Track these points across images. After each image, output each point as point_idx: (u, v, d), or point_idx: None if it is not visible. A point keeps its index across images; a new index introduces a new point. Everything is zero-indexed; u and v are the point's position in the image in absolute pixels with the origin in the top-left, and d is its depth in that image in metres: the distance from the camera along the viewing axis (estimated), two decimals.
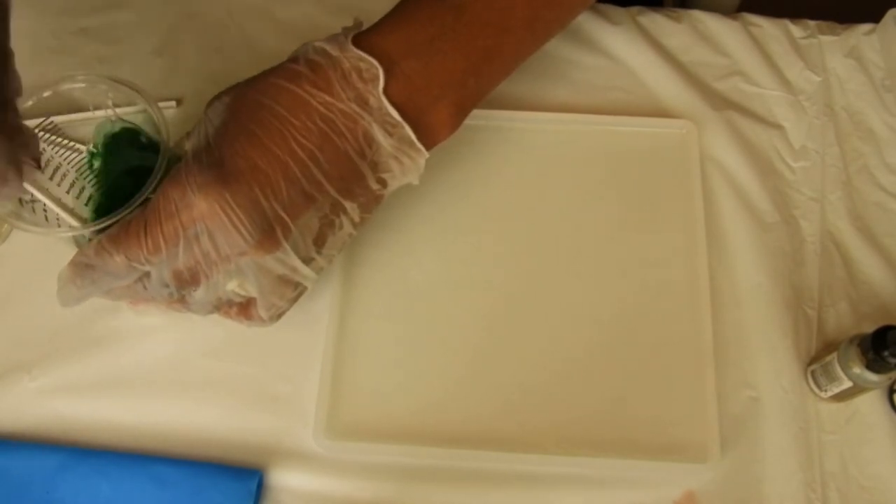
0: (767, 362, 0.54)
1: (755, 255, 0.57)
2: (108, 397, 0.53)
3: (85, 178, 0.52)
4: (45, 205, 0.46)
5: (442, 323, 0.55)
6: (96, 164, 0.52)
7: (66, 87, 0.48)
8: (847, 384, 0.49)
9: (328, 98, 0.43)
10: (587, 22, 0.66)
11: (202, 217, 0.41)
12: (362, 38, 0.46)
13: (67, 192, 0.51)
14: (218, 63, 0.65)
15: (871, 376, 0.47)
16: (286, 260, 0.44)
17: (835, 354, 0.50)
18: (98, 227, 0.44)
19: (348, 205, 0.46)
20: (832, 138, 0.62)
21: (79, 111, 0.50)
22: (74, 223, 0.45)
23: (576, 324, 0.55)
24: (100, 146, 0.51)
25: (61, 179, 0.50)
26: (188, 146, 0.45)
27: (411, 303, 0.55)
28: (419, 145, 0.46)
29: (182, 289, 0.44)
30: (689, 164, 0.59)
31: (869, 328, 0.47)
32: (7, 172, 0.38)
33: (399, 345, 0.54)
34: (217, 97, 0.46)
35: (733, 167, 0.60)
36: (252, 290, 0.45)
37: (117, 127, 0.50)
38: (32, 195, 0.45)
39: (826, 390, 0.51)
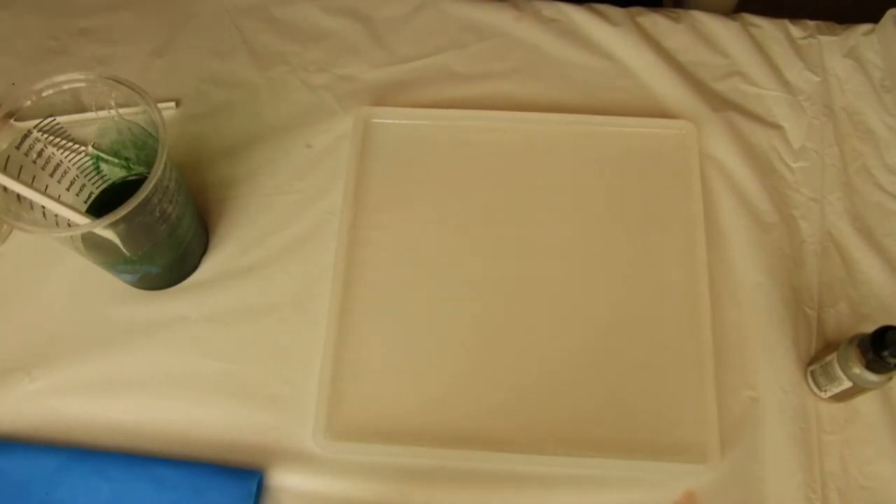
0: (767, 362, 0.54)
1: (755, 256, 0.57)
2: (108, 397, 0.53)
3: (86, 177, 0.52)
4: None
5: (441, 324, 0.55)
6: (102, 165, 0.52)
7: (66, 87, 0.48)
8: (847, 384, 0.49)
9: None
10: (587, 22, 0.66)
11: None
12: None
13: (68, 190, 0.51)
14: (217, 63, 0.65)
15: (871, 376, 0.47)
16: None
17: (834, 355, 0.50)
18: (99, 225, 0.44)
19: None
20: (832, 138, 0.62)
21: (80, 111, 0.50)
22: (80, 220, 0.45)
23: (576, 324, 0.55)
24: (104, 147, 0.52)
25: (62, 177, 0.50)
26: None
27: (411, 304, 0.55)
28: None
29: None
30: (689, 164, 0.59)
31: (869, 328, 0.47)
32: None
33: (398, 346, 0.54)
34: None
35: (733, 167, 0.60)
36: None
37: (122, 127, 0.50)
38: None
39: (826, 390, 0.51)
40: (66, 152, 0.50)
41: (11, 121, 0.48)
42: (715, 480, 0.51)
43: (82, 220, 0.46)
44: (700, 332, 0.54)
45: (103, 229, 0.45)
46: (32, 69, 0.65)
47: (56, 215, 0.47)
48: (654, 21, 0.67)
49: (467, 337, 0.54)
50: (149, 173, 0.44)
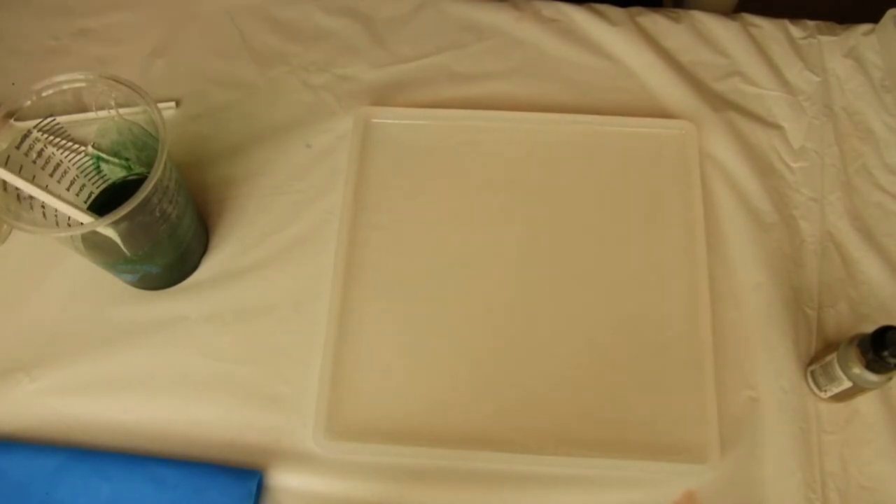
0: (767, 362, 0.54)
1: (755, 256, 0.57)
2: (108, 397, 0.53)
3: (86, 177, 0.52)
4: (43, 203, 0.46)
5: (442, 324, 0.55)
6: (102, 165, 0.52)
7: (66, 87, 0.48)
8: (847, 384, 0.49)
9: None
10: (587, 22, 0.66)
11: None
12: None
13: (68, 190, 0.51)
14: (218, 64, 0.65)
15: (871, 376, 0.47)
16: None
17: (834, 355, 0.50)
18: (99, 225, 0.44)
19: None
20: (831, 138, 0.62)
21: (80, 111, 0.50)
22: (83, 217, 0.46)
23: (575, 324, 0.55)
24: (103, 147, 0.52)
25: (62, 177, 0.50)
26: None
27: (411, 304, 0.55)
28: None
29: None
30: (689, 164, 0.59)
31: (868, 328, 0.47)
32: None
33: (398, 346, 0.54)
34: None
35: (733, 167, 0.60)
36: None
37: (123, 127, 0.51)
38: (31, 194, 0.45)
39: (826, 391, 0.51)
40: (66, 152, 0.50)
41: (11, 121, 0.48)
42: (715, 480, 0.51)
43: (85, 218, 0.46)
44: (700, 332, 0.54)
45: (104, 228, 0.45)
46: (32, 69, 0.65)
47: (56, 215, 0.47)
48: (654, 21, 0.67)
49: (467, 337, 0.54)
50: (149, 173, 0.44)
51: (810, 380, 0.53)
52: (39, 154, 0.49)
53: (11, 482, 0.49)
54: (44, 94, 0.48)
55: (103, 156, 0.52)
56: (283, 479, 0.51)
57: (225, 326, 0.55)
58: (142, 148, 0.52)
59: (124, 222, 0.45)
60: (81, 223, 0.46)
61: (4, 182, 0.45)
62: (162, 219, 0.49)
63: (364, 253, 0.57)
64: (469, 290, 0.56)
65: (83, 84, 0.48)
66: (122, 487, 0.49)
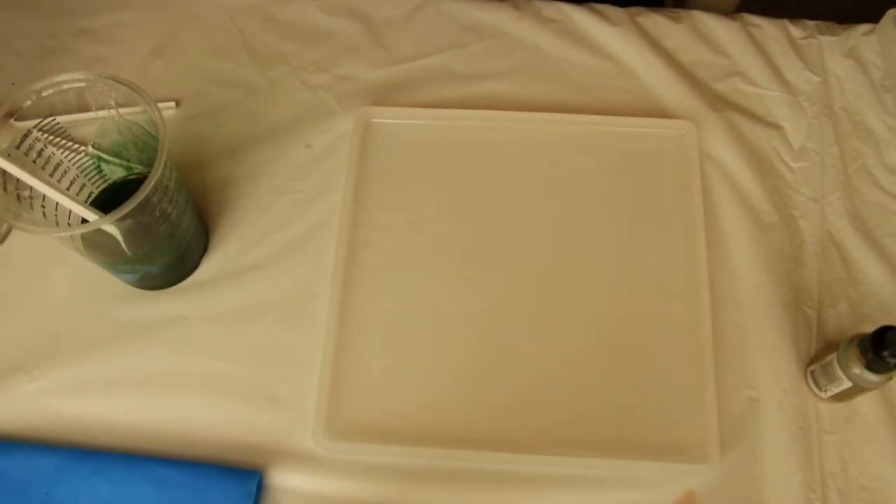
0: (767, 362, 0.54)
1: (755, 256, 0.57)
2: (108, 397, 0.53)
3: (86, 177, 0.52)
4: (43, 202, 0.46)
5: (442, 324, 0.55)
6: (103, 166, 0.52)
7: (66, 87, 0.48)
8: (847, 384, 0.49)
9: None
10: (587, 22, 0.66)
11: None
12: None
13: (68, 189, 0.51)
14: (218, 63, 0.65)
15: (871, 376, 0.47)
16: None
17: (834, 355, 0.50)
18: (98, 225, 0.44)
19: None
20: (831, 138, 0.62)
21: (80, 111, 0.50)
22: (88, 215, 0.46)
23: (575, 324, 0.55)
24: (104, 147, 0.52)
25: (62, 176, 0.50)
26: None
27: (411, 304, 0.55)
28: None
29: None
30: (689, 164, 0.59)
31: (868, 328, 0.47)
32: None
33: (398, 346, 0.54)
34: None
35: (733, 167, 0.60)
36: None
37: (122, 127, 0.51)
38: (31, 191, 0.45)
39: (826, 390, 0.51)
40: (66, 152, 0.50)
41: (11, 121, 0.48)
42: (715, 480, 0.51)
43: (89, 215, 0.46)
44: (700, 332, 0.54)
45: (107, 226, 0.45)
46: (32, 69, 0.65)
47: (56, 214, 0.47)
48: (654, 21, 0.67)
49: (467, 337, 0.54)
50: (149, 173, 0.44)
51: (810, 380, 0.53)
52: (39, 154, 0.49)
53: (11, 482, 0.49)
54: (44, 94, 0.48)
55: (104, 156, 0.52)
56: (283, 479, 0.51)
57: (225, 326, 0.55)
58: (142, 148, 0.52)
59: (125, 221, 0.45)
60: (82, 222, 0.46)
61: (5, 182, 0.45)
62: (162, 218, 0.49)
63: (364, 253, 0.57)
64: (469, 290, 0.56)
65: (83, 84, 0.48)
66: (122, 487, 0.49)
